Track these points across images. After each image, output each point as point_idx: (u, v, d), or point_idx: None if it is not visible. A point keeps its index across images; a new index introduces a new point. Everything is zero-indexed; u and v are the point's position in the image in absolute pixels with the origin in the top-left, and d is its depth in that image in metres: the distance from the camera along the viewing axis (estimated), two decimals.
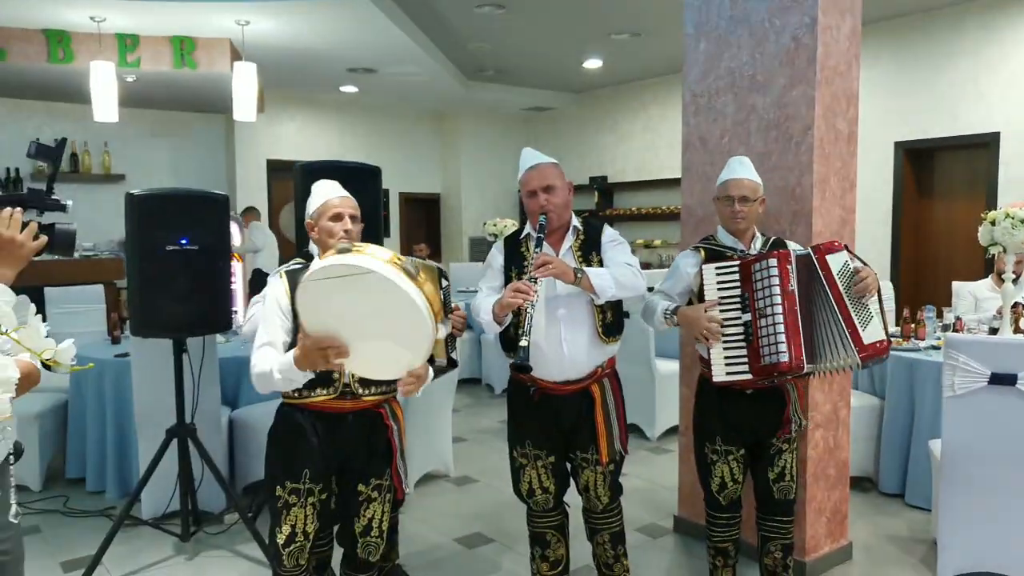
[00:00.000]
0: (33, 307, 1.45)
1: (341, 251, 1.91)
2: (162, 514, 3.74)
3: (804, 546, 3.25)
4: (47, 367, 1.47)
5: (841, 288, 2.51)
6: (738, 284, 2.58)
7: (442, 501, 4.15)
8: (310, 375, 2.11)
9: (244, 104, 6.04)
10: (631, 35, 7.18)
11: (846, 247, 2.59)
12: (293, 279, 2.25)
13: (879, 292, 2.58)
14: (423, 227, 11.37)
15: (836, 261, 2.54)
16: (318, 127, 10.02)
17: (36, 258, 1.95)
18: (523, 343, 2.30)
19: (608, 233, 2.69)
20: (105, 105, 5.90)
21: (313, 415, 2.27)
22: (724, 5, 3.42)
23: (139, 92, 7.44)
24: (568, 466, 2.74)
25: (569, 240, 2.65)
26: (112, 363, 4.12)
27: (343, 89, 9.01)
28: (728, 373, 2.57)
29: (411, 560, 3.39)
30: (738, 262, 2.61)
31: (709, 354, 2.61)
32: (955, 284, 5.50)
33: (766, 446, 2.73)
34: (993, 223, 4.49)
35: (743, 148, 3.36)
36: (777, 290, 2.48)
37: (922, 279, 7.26)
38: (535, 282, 2.39)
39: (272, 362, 2.13)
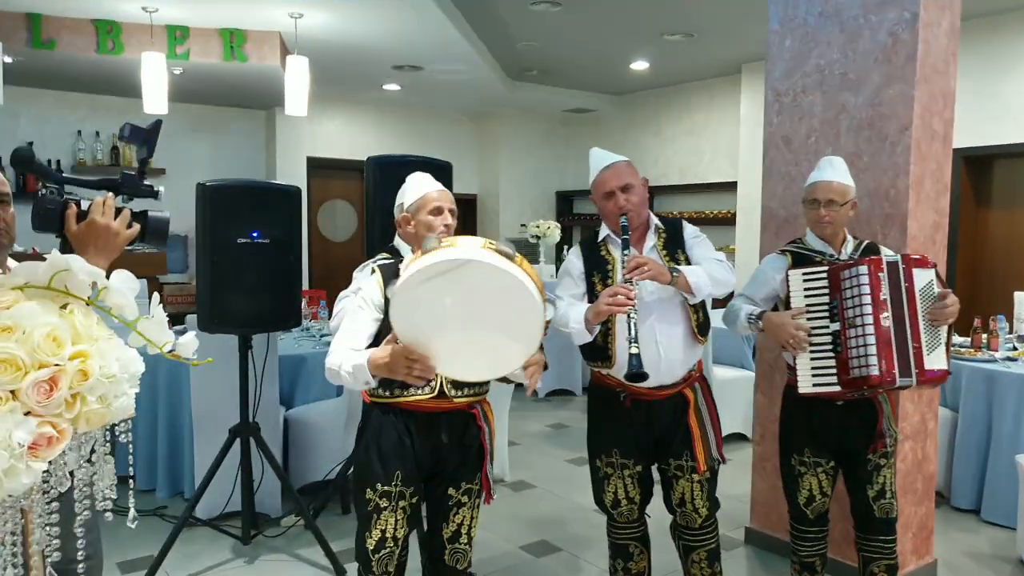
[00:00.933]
0: (156, 296, 1.35)
1: (428, 250, 1.81)
2: (218, 515, 3.66)
3: None
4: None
5: (919, 305, 2.39)
6: (826, 291, 2.45)
7: (502, 506, 4.05)
8: (374, 382, 2.02)
9: (296, 99, 5.97)
10: (684, 35, 7.04)
11: (935, 267, 2.46)
12: (387, 273, 2.18)
13: (950, 325, 2.44)
14: (460, 229, 11.26)
15: (922, 277, 2.42)
16: (358, 125, 9.97)
17: (127, 247, 1.87)
18: (634, 351, 2.20)
19: (689, 229, 2.60)
20: (156, 97, 5.86)
21: (406, 415, 2.18)
22: (813, 0, 3.29)
23: (182, 86, 7.41)
24: (659, 478, 2.62)
25: (651, 239, 2.54)
26: (163, 359, 4.05)
27: (385, 87, 8.94)
28: (815, 385, 2.45)
29: (482, 568, 3.30)
30: (826, 268, 2.48)
31: (795, 363, 2.49)
32: (1017, 294, 5.34)
33: (862, 462, 2.59)
34: None
35: (831, 148, 3.24)
36: (868, 299, 2.36)
37: (978, 289, 7.06)
38: (632, 286, 2.27)
39: (345, 358, 2.06)
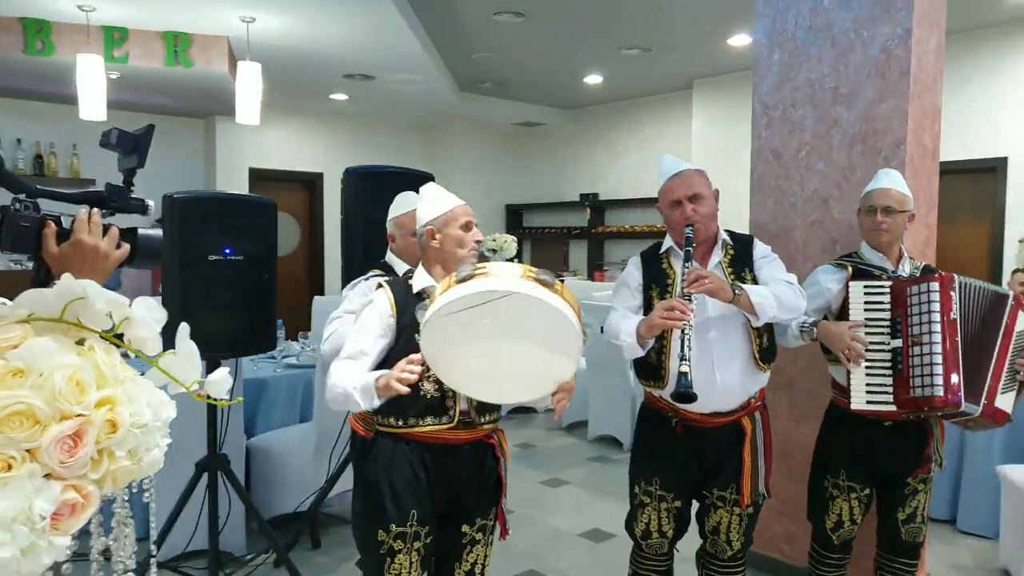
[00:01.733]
0: (186, 326, 1.15)
1: (463, 279, 1.70)
2: (178, 555, 3.38)
3: None
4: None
5: (1012, 346, 2.34)
6: (888, 307, 2.38)
7: None
8: (378, 401, 1.90)
9: (247, 107, 5.69)
10: (641, 51, 7.04)
11: None
12: (399, 291, 2.05)
13: None
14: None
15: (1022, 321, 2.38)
16: (304, 136, 9.65)
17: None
18: (684, 369, 2.06)
19: (760, 248, 2.46)
20: (93, 103, 5.49)
21: (421, 447, 2.00)
22: (803, 14, 3.27)
23: (115, 92, 7.01)
24: (696, 504, 2.49)
25: (718, 255, 2.41)
26: None
27: (333, 97, 8.68)
28: (869, 402, 2.38)
29: None
30: (890, 283, 2.41)
31: (849, 380, 2.40)
32: None
33: (900, 485, 2.52)
34: None
35: (823, 163, 3.21)
36: (937, 317, 2.29)
37: None
38: (689, 300, 2.14)
39: (354, 380, 1.92)
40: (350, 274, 3.25)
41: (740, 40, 6.62)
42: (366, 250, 3.26)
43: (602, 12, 5.94)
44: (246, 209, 3.00)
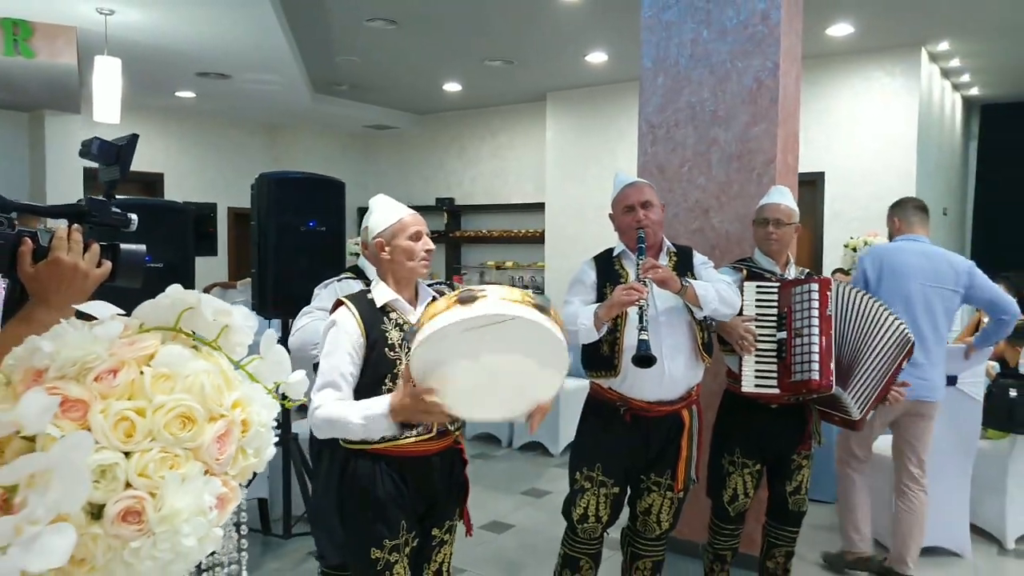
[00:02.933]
0: (272, 332, 1.22)
1: (464, 300, 1.73)
2: None
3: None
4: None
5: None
6: (775, 304, 2.75)
7: None
8: (394, 429, 1.86)
9: (106, 103, 5.36)
10: (504, 62, 7.33)
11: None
12: (362, 307, 2.03)
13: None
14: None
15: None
16: (145, 134, 9.08)
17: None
18: (643, 336, 2.30)
19: (699, 257, 2.75)
20: None
21: (399, 462, 2.03)
22: (684, 44, 3.65)
23: None
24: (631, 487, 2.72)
25: (664, 260, 2.66)
26: None
27: (178, 94, 8.27)
28: (757, 385, 2.73)
29: None
30: (778, 284, 2.78)
31: (740, 367, 2.75)
32: None
33: (787, 461, 2.91)
34: (855, 249, 5.17)
35: (703, 177, 3.61)
36: (816, 313, 2.66)
37: None
38: (645, 284, 2.38)
39: (350, 408, 1.88)
40: (265, 279, 3.24)
41: (597, 57, 7.08)
42: (278, 255, 3.26)
43: (472, 24, 6.16)
44: (162, 215, 2.92)
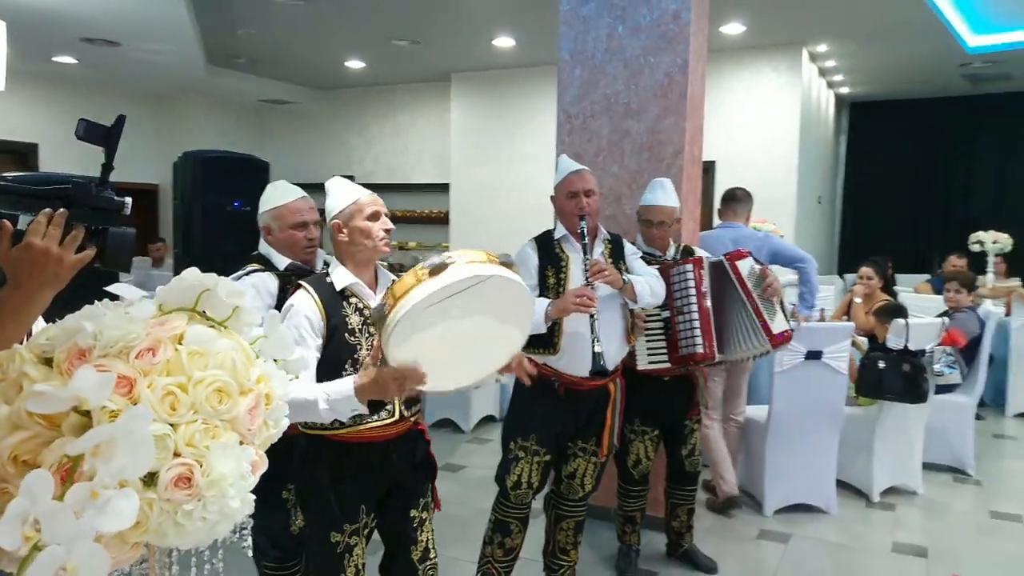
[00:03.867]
0: (276, 314, 1.31)
1: (436, 269, 1.70)
2: None
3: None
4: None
5: (751, 288, 3.03)
6: None
7: None
8: (362, 408, 1.86)
9: None
10: (411, 42, 7.34)
11: (750, 254, 3.14)
12: (322, 291, 2.02)
13: (780, 292, 3.15)
14: (141, 221, 10.20)
15: (744, 266, 3.06)
16: (18, 102, 8.50)
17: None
18: (598, 349, 2.46)
19: (629, 247, 2.93)
20: None
21: (357, 447, 2.05)
22: (600, 38, 3.84)
23: None
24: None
25: (600, 247, 2.82)
26: None
27: (57, 59, 7.78)
28: (650, 362, 2.98)
29: None
30: (657, 267, 3.01)
31: (634, 347, 2.98)
32: None
33: (680, 427, 3.19)
34: None
35: (617, 166, 3.82)
36: (693, 291, 2.93)
37: None
38: (593, 288, 2.53)
39: (315, 390, 1.86)
40: (193, 258, 3.21)
41: (504, 42, 7.21)
42: (206, 235, 3.24)
43: (382, 4, 6.15)
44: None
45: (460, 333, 1.77)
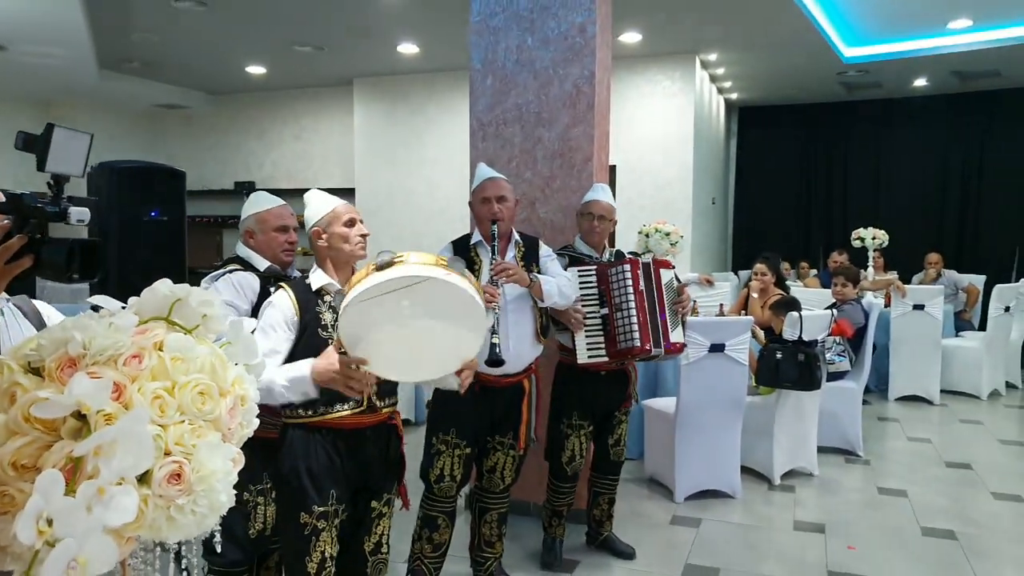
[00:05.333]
0: (242, 320, 1.37)
1: (383, 266, 1.88)
2: None
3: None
4: None
5: (665, 295, 3.24)
6: (596, 285, 3.17)
7: None
8: (314, 392, 2.02)
9: None
10: (314, 48, 7.29)
11: (674, 268, 3.36)
12: (299, 289, 2.18)
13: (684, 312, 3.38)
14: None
15: (666, 275, 3.29)
16: None
17: None
18: (495, 340, 2.58)
19: (544, 249, 3.07)
20: None
21: (333, 433, 2.17)
22: (510, 49, 3.99)
23: None
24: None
25: (513, 250, 2.96)
26: None
27: None
28: (590, 356, 3.15)
29: None
30: (595, 267, 3.19)
31: (573, 342, 3.15)
32: None
33: (610, 417, 3.37)
34: (648, 235, 5.87)
35: (530, 172, 3.99)
36: (631, 290, 3.12)
37: None
38: (498, 285, 2.66)
39: (276, 373, 2.02)
40: (108, 268, 3.15)
41: (408, 48, 7.28)
42: (123, 241, 3.19)
43: (285, 10, 6.10)
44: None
45: (414, 331, 1.90)
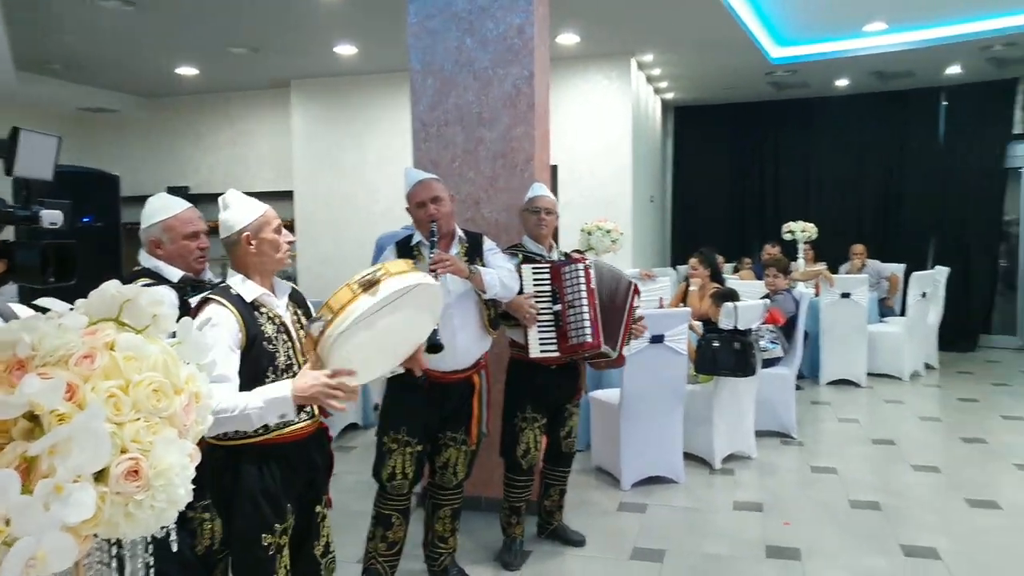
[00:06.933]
0: (190, 322, 1.38)
1: (367, 285, 1.86)
2: None
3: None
4: None
5: (633, 315, 3.39)
6: (549, 282, 3.23)
7: None
8: (292, 414, 1.95)
9: None
10: (250, 49, 7.18)
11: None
12: (238, 306, 2.06)
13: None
14: None
15: (638, 301, 3.43)
16: None
17: None
18: (434, 326, 2.61)
19: (488, 243, 3.10)
20: None
21: (285, 448, 2.12)
22: (450, 50, 4.03)
23: None
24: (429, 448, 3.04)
25: (456, 247, 2.98)
26: None
27: None
28: (542, 351, 3.21)
29: None
30: (549, 265, 3.25)
31: (526, 337, 3.20)
32: None
33: (562, 410, 3.44)
34: (590, 233, 5.98)
35: (473, 172, 4.03)
36: (583, 287, 3.19)
37: None
38: (436, 276, 2.68)
39: (247, 397, 1.91)
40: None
41: (346, 50, 7.24)
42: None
43: (219, 11, 6.00)
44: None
45: (384, 332, 1.93)
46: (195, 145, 9.83)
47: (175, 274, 2.50)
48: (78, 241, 3.20)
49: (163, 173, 9.91)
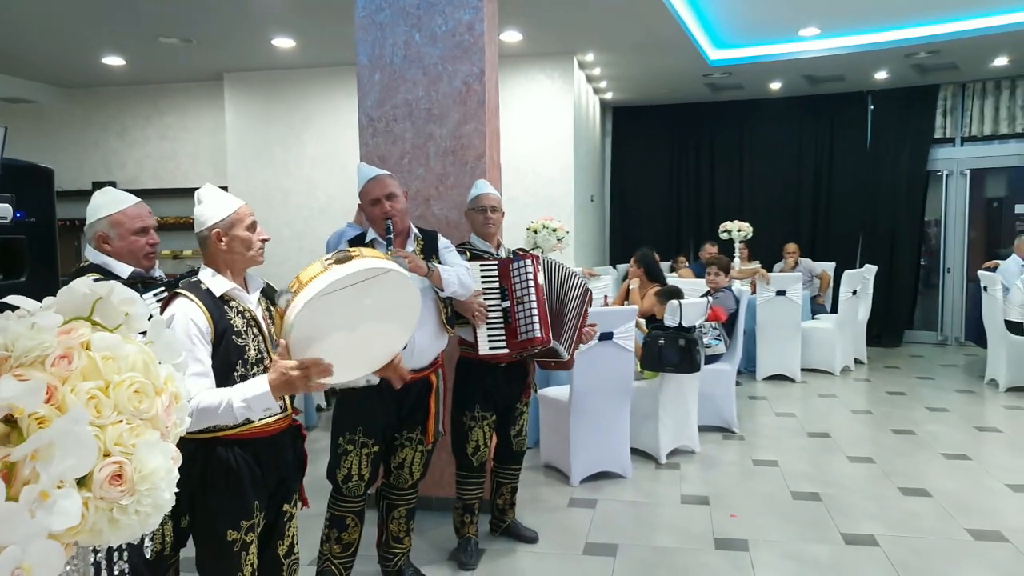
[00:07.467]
0: (162, 320, 1.32)
1: (342, 260, 1.89)
2: None
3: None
4: None
5: (587, 319, 3.43)
6: (497, 279, 3.23)
7: None
8: (276, 407, 1.95)
9: None
10: (182, 40, 6.94)
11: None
12: (205, 301, 2.01)
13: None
14: None
15: (592, 306, 3.46)
16: None
17: None
18: (409, 336, 2.57)
19: (443, 240, 3.06)
20: None
21: (254, 444, 2.08)
22: (398, 45, 3.99)
23: None
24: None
25: (411, 245, 2.93)
26: None
27: None
28: (491, 348, 3.21)
29: None
30: (496, 262, 3.25)
31: (475, 336, 3.19)
32: None
33: (512, 409, 3.43)
34: (536, 232, 6.02)
35: (423, 168, 4.00)
36: (531, 284, 3.20)
37: None
38: None
39: (225, 393, 1.90)
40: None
41: (284, 43, 7.08)
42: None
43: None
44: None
45: (356, 329, 1.92)
46: (120, 138, 9.45)
47: (124, 270, 2.44)
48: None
49: (87, 168, 9.51)
